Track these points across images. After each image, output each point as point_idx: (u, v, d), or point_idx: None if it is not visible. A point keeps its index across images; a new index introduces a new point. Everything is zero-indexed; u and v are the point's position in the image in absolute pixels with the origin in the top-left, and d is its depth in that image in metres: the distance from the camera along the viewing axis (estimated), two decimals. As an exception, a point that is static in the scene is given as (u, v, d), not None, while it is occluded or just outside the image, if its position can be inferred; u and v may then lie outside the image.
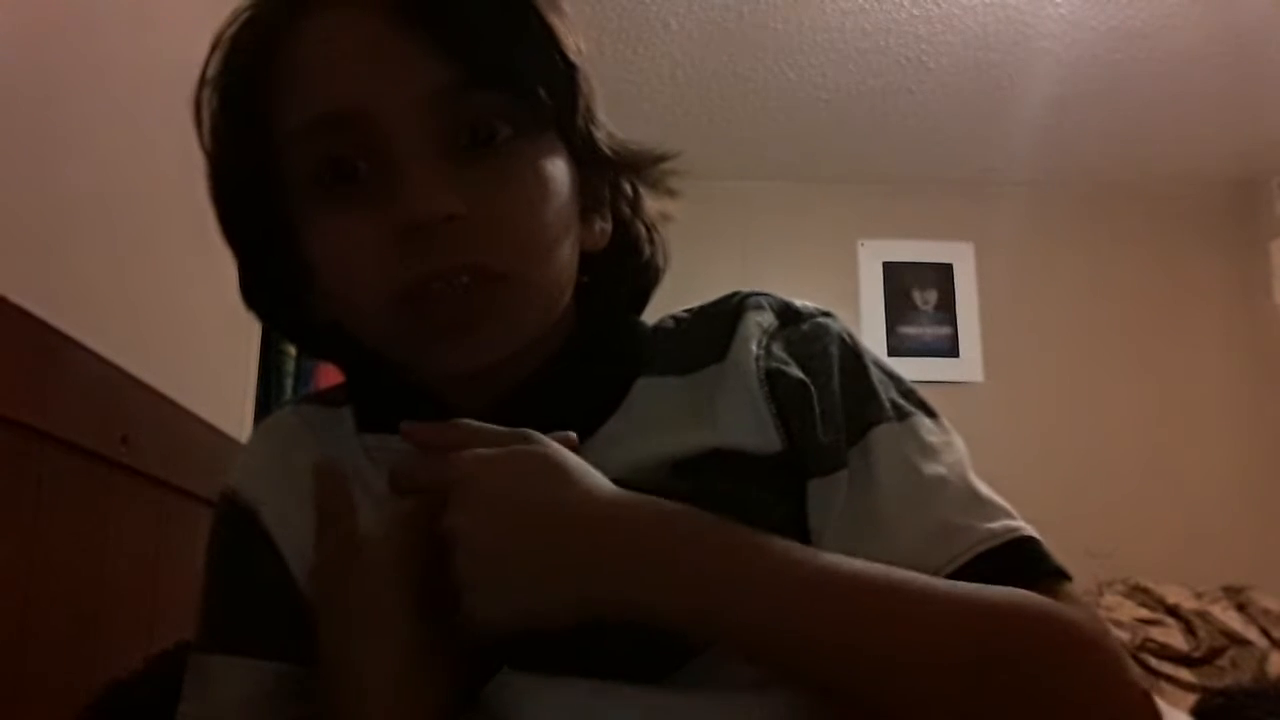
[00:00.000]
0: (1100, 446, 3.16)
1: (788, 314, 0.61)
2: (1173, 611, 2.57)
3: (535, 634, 0.48)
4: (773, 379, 0.56)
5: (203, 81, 0.58)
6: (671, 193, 0.64)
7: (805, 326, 0.60)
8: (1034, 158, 3.16)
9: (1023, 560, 0.51)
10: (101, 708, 0.73)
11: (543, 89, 0.55)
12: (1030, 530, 0.52)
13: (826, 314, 0.61)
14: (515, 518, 0.47)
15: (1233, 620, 2.52)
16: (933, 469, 0.54)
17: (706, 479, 0.54)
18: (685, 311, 0.64)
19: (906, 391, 0.60)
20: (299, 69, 0.54)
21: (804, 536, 0.52)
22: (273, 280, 0.60)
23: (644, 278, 0.65)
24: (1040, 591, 0.48)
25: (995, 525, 0.51)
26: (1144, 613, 2.57)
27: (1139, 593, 2.66)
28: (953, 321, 3.31)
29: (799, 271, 3.22)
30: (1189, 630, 2.51)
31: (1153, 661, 2.43)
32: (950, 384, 3.24)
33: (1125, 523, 2.99)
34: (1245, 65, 2.68)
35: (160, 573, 0.98)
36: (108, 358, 0.91)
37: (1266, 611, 2.56)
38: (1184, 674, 2.41)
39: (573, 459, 0.50)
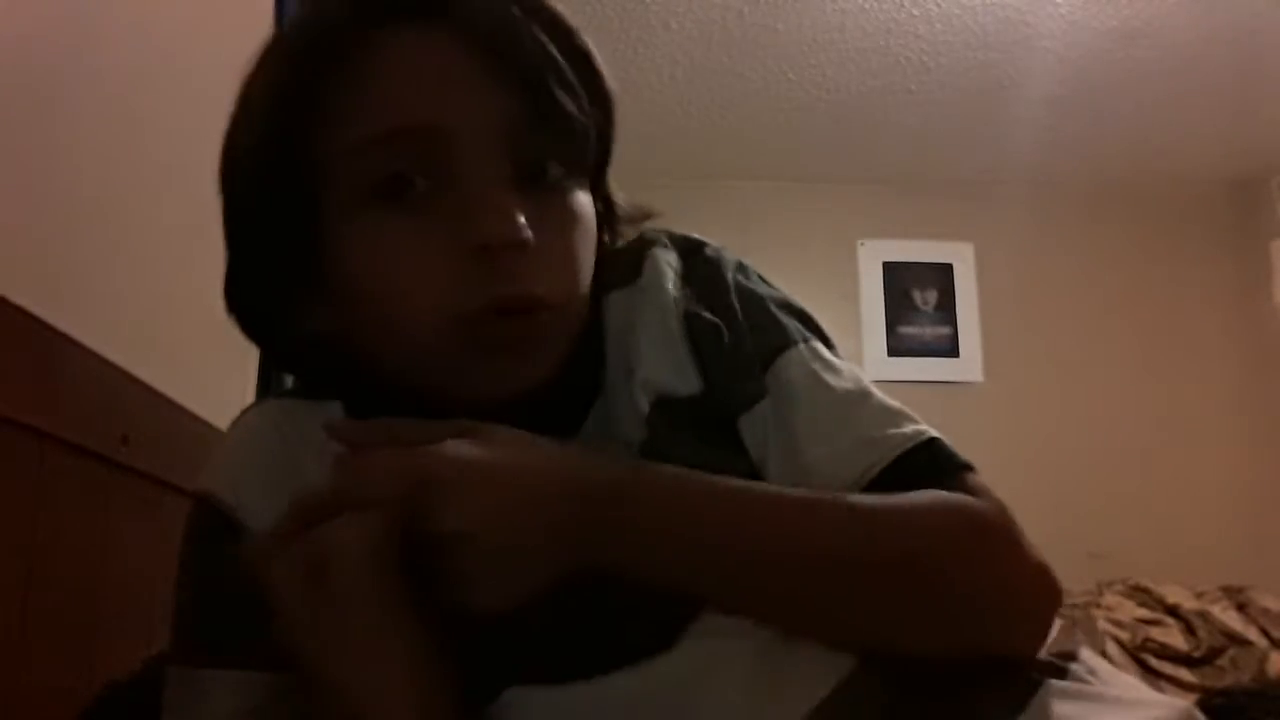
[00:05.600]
0: (1100, 447, 3.16)
1: (687, 248, 0.63)
2: (1173, 611, 2.57)
3: (528, 645, 0.50)
4: (689, 322, 0.59)
5: (256, 74, 0.57)
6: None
7: (704, 261, 0.62)
8: (1034, 158, 3.16)
9: (933, 458, 0.55)
10: (101, 708, 0.73)
11: (594, 137, 0.57)
12: (934, 431, 0.56)
13: (715, 245, 0.64)
14: (509, 505, 0.48)
15: (1233, 620, 2.52)
16: (842, 385, 0.58)
17: (670, 452, 0.55)
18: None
19: (799, 314, 0.62)
20: (372, 79, 0.54)
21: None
22: (270, 283, 0.59)
23: None
24: (951, 486, 0.53)
25: (906, 430, 0.56)
26: (1144, 613, 2.57)
27: (1139, 593, 2.66)
28: (953, 321, 3.32)
29: (799, 271, 3.20)
30: (1189, 630, 2.51)
31: (1153, 661, 2.43)
32: (950, 384, 3.24)
33: (1125, 523, 3.00)
34: (1245, 65, 2.68)
35: (160, 573, 0.98)
36: (108, 358, 0.91)
37: (1266, 611, 2.56)
38: (1184, 674, 2.41)
39: (523, 434, 0.51)
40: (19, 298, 0.77)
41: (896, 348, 3.29)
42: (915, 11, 2.54)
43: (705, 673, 0.50)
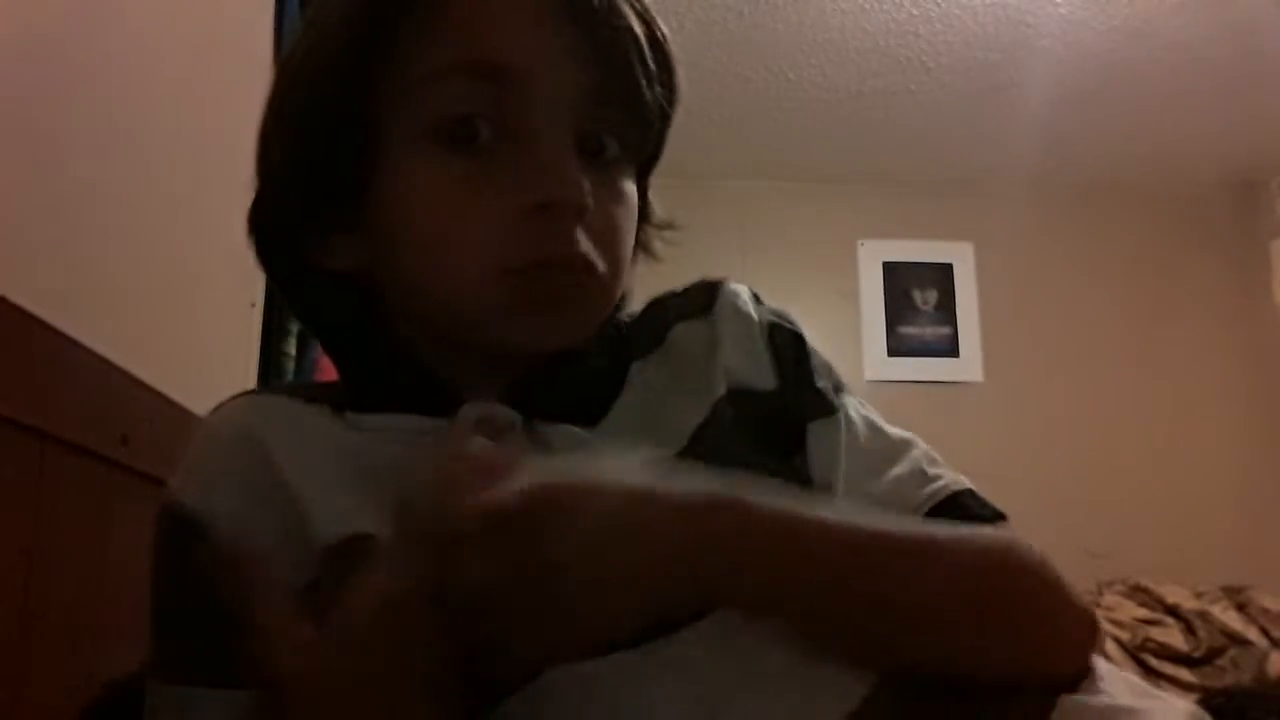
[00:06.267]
0: (1100, 446, 3.16)
1: (752, 292, 0.66)
2: (1173, 611, 2.57)
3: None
4: (771, 329, 0.62)
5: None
6: (654, 257, 0.66)
7: (767, 305, 0.65)
8: (1034, 158, 3.16)
9: (977, 502, 0.57)
10: (100, 709, 0.73)
11: (657, 125, 0.58)
12: (969, 481, 0.58)
13: None
14: (612, 539, 0.43)
15: (1233, 620, 2.52)
16: (896, 432, 0.61)
17: (724, 441, 0.56)
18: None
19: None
20: (452, 9, 0.53)
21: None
22: (303, 213, 0.57)
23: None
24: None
25: (951, 476, 0.58)
26: (1144, 613, 2.57)
27: (1139, 593, 2.67)
28: (953, 321, 3.32)
29: (799, 271, 3.22)
30: (1189, 630, 2.51)
31: (1153, 661, 2.43)
32: (950, 384, 3.24)
33: (1125, 523, 3.00)
34: (1245, 65, 2.68)
35: (160, 573, 0.98)
36: (108, 358, 0.91)
37: (1266, 611, 2.56)
38: (1184, 674, 2.41)
39: (610, 470, 0.46)
40: (19, 298, 0.77)
41: (896, 348, 3.29)
42: (915, 11, 2.54)
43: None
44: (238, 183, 0.61)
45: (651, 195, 0.64)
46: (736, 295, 0.63)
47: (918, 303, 3.34)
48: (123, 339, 0.94)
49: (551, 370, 0.57)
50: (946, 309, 3.33)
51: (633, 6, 0.56)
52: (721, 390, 0.58)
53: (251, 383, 1.29)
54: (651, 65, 0.56)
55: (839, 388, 0.62)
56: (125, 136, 1.00)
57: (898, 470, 0.58)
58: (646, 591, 0.44)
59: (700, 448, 0.55)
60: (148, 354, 0.98)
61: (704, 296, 0.64)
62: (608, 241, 0.55)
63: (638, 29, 0.55)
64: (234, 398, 0.59)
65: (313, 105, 0.55)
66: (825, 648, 0.49)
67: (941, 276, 3.34)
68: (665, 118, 0.59)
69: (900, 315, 3.33)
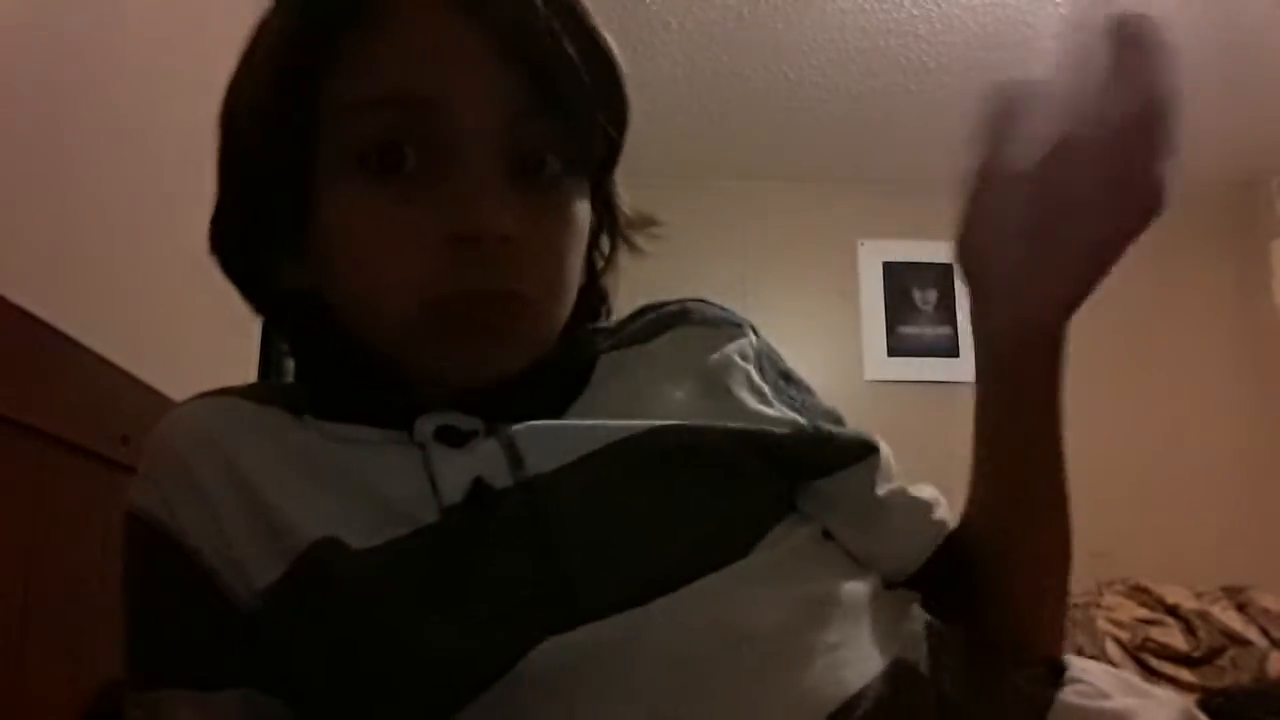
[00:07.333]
0: (1100, 446, 3.15)
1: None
2: (1173, 611, 2.57)
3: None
4: (759, 356, 0.64)
5: (270, 19, 0.56)
6: (638, 250, 0.66)
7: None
8: (1034, 158, 3.16)
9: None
10: (100, 709, 0.73)
11: (600, 137, 0.57)
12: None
13: None
14: None
15: (1233, 620, 2.52)
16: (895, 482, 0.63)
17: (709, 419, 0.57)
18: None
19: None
20: (382, 41, 0.53)
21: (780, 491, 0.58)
22: (252, 235, 0.58)
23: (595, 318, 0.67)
24: None
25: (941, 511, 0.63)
26: (1144, 613, 2.57)
27: (1139, 593, 2.66)
28: (953, 321, 3.31)
29: (799, 271, 3.22)
30: (1189, 630, 2.51)
31: (1153, 661, 2.43)
32: (950, 384, 3.23)
33: (1125, 523, 2.99)
34: (1245, 65, 2.68)
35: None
36: (108, 358, 0.91)
37: (1266, 611, 2.56)
38: (1184, 674, 2.41)
39: None
40: (19, 298, 0.77)
41: (896, 348, 3.29)
42: (915, 11, 2.54)
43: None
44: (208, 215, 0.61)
45: (626, 197, 0.64)
46: (726, 318, 0.65)
47: (918, 303, 3.34)
48: (123, 339, 0.94)
49: (507, 383, 0.57)
50: (946, 309, 3.32)
51: (569, 23, 0.55)
52: (710, 387, 0.59)
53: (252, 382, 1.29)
54: (586, 79, 0.55)
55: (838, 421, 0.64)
56: (125, 136, 1.00)
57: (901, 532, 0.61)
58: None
59: (680, 419, 0.56)
60: (148, 354, 0.98)
61: (726, 322, 0.65)
62: (542, 265, 0.55)
63: (571, 46, 0.54)
64: (188, 401, 0.58)
65: (254, 125, 0.56)
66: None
67: (941, 276, 3.33)
68: (615, 126, 0.59)
69: (900, 315, 3.32)
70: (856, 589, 0.55)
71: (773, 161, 3.26)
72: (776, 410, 0.60)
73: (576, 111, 0.55)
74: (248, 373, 1.31)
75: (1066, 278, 0.56)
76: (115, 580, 0.55)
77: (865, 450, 0.61)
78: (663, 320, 0.65)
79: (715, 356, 0.62)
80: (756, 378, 0.62)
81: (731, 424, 0.57)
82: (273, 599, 0.51)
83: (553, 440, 0.54)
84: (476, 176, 0.52)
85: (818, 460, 0.59)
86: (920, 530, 0.61)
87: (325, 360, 0.61)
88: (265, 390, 0.60)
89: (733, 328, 0.65)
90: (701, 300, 0.67)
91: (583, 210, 0.58)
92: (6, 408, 0.75)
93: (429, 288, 0.52)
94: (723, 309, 0.67)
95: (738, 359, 0.62)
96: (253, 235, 0.58)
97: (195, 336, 1.15)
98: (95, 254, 0.94)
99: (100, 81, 0.96)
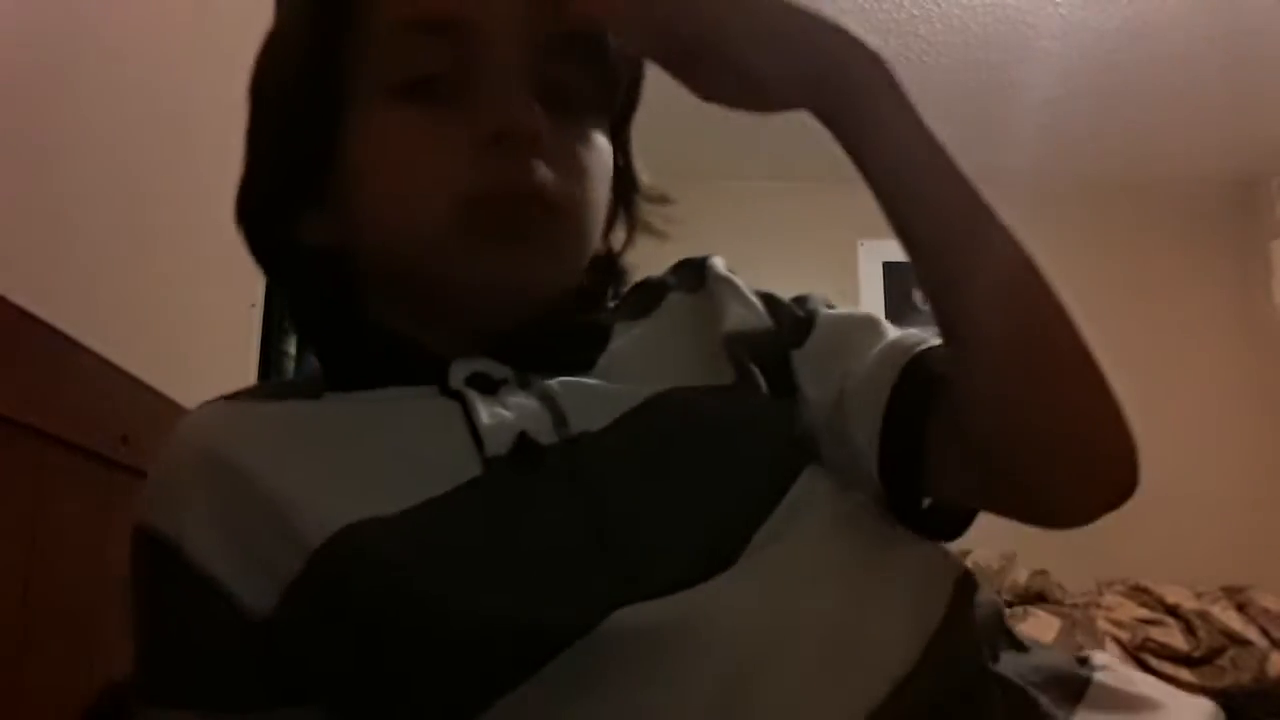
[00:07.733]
0: (1100, 446, 3.16)
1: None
2: (1173, 611, 2.57)
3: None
4: (762, 295, 0.66)
5: None
6: (658, 233, 0.67)
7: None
8: (1034, 158, 3.16)
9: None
10: (100, 710, 0.73)
11: (623, 76, 0.60)
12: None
13: None
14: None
15: (1233, 620, 2.52)
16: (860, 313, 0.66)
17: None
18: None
19: None
20: None
21: (797, 448, 0.57)
22: (279, 193, 0.59)
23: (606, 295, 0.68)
24: None
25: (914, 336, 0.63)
26: (1144, 613, 2.57)
27: (1139, 593, 2.66)
28: (953, 321, 3.32)
29: (799, 271, 3.22)
30: (1189, 630, 2.51)
31: (1153, 661, 2.43)
32: (950, 384, 3.24)
33: (1125, 523, 2.99)
34: (1245, 65, 2.68)
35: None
36: (108, 358, 0.91)
37: (1266, 611, 2.56)
38: (1184, 674, 2.41)
39: None
40: (19, 298, 0.77)
41: (896, 348, 3.29)
42: (915, 11, 2.54)
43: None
44: (236, 183, 0.61)
45: (639, 164, 0.66)
46: (720, 267, 0.67)
47: (918, 303, 3.34)
48: (122, 339, 0.94)
49: (535, 326, 0.58)
50: (946, 309, 3.33)
51: None
52: (722, 338, 0.60)
53: (251, 382, 1.29)
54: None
55: (828, 305, 0.65)
56: (125, 136, 1.00)
57: (880, 347, 0.63)
58: (799, 61, 0.56)
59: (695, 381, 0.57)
60: (148, 354, 0.98)
61: (694, 274, 0.66)
62: (573, 177, 0.56)
63: None
64: (200, 408, 0.57)
65: (279, 76, 0.58)
66: (909, 234, 0.58)
67: (941, 276, 3.34)
68: (634, 75, 0.61)
69: (900, 315, 3.31)
70: (889, 553, 0.54)
71: (773, 161, 3.26)
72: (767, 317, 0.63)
73: (603, 48, 0.57)
74: (247, 373, 1.31)
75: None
76: (116, 581, 0.55)
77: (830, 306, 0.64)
78: (658, 289, 0.66)
79: (708, 305, 0.63)
80: (744, 297, 0.64)
81: (741, 379, 0.58)
82: (290, 599, 0.49)
83: (592, 398, 0.55)
84: (506, 83, 0.54)
85: (797, 328, 0.62)
86: (881, 345, 0.64)
87: (346, 326, 0.60)
88: (277, 387, 0.61)
89: (705, 270, 0.67)
90: (682, 262, 0.68)
91: (605, 147, 0.60)
92: (6, 408, 0.75)
93: (468, 185, 0.53)
94: (699, 261, 0.68)
95: (726, 298, 0.64)
96: (278, 190, 0.59)
97: (195, 337, 1.15)
98: (95, 254, 0.94)
99: (100, 81, 0.96)
